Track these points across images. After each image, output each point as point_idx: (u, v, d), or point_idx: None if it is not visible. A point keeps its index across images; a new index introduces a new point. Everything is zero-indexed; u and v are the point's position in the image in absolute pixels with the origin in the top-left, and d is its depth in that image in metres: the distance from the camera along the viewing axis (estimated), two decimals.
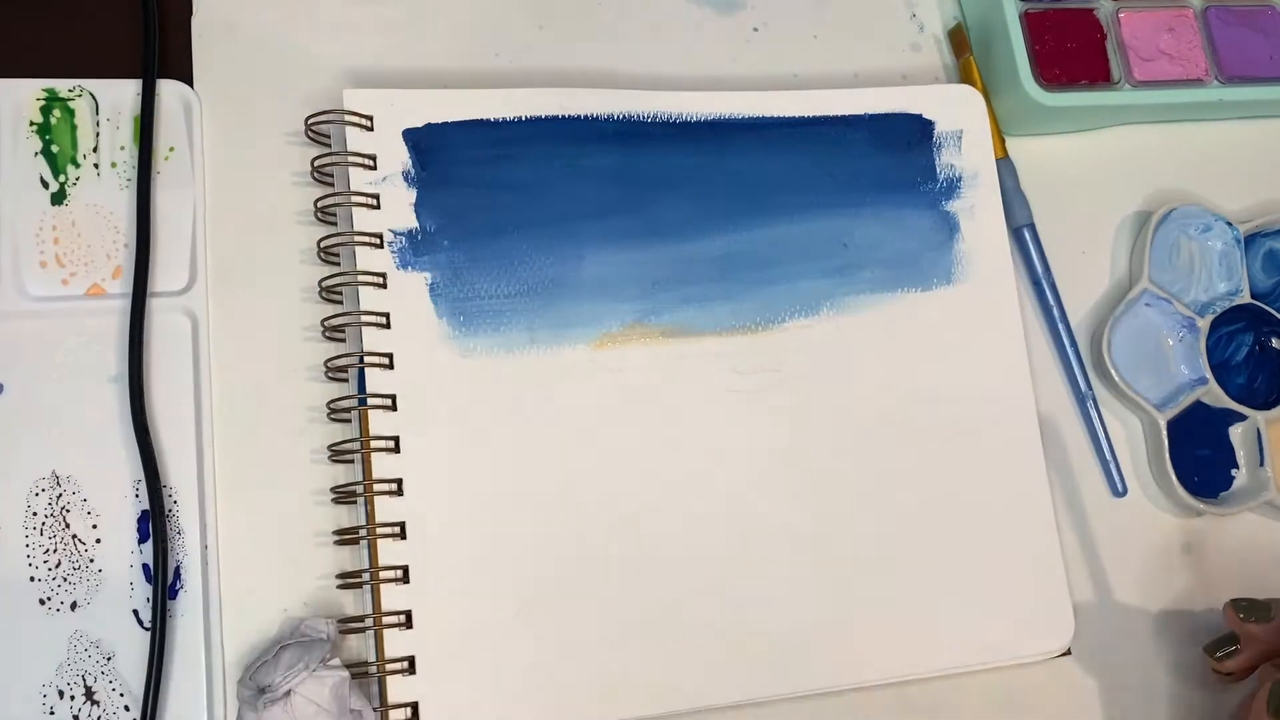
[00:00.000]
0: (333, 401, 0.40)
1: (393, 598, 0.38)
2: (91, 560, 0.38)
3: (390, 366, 0.40)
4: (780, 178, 0.46)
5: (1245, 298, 0.50)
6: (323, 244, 0.41)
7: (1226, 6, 0.53)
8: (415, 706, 0.38)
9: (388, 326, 0.40)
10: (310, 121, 0.42)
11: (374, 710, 0.37)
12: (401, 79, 0.45)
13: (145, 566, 0.38)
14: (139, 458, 0.39)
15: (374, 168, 0.41)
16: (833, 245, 0.45)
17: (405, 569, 0.38)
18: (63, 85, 0.42)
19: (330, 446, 0.40)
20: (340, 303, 0.41)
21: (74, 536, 0.38)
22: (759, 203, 0.45)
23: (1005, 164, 0.49)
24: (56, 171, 0.41)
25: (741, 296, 0.44)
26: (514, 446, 0.40)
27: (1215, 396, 0.49)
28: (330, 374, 0.41)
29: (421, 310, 0.41)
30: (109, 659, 0.37)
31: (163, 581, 0.37)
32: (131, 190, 0.41)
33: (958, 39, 0.51)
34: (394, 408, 0.40)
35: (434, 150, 0.42)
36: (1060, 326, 0.49)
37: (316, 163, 0.42)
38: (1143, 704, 0.46)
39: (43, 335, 0.40)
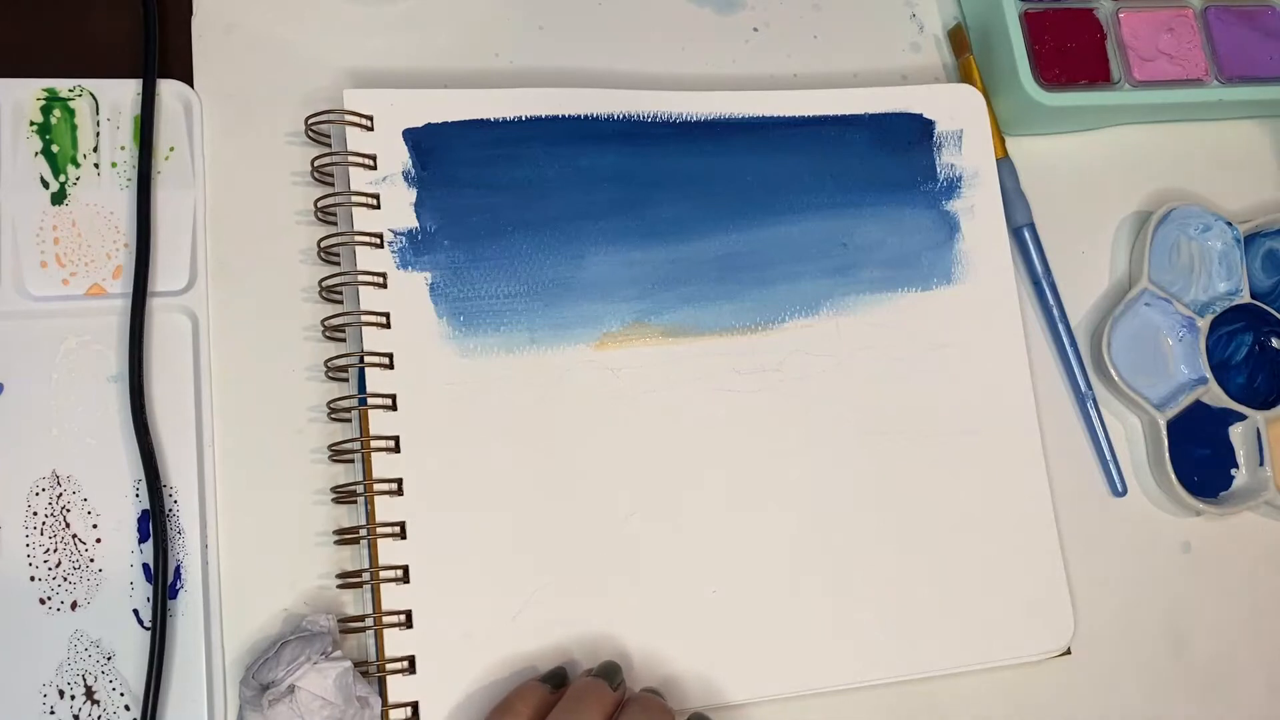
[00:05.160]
0: (333, 401, 0.40)
1: (393, 598, 0.38)
2: (91, 560, 0.38)
3: (390, 366, 0.40)
4: (780, 178, 0.46)
5: (1245, 297, 0.50)
6: (323, 244, 0.41)
7: (1226, 6, 0.53)
8: (415, 706, 0.38)
9: (388, 326, 0.40)
10: (310, 121, 0.42)
11: (379, 696, 0.37)
12: (401, 79, 0.45)
13: (145, 566, 0.38)
14: (139, 458, 0.39)
15: (374, 168, 0.41)
16: (833, 245, 0.45)
17: (405, 569, 0.38)
18: (63, 85, 0.42)
19: (330, 446, 0.40)
20: (340, 303, 0.41)
21: (74, 536, 0.38)
22: (759, 203, 0.45)
23: (1005, 164, 0.49)
24: (56, 171, 0.41)
25: (741, 296, 0.44)
26: (514, 446, 0.41)
27: (1215, 396, 0.49)
28: (330, 374, 0.41)
29: (421, 310, 0.41)
30: (109, 659, 0.37)
31: (163, 581, 0.37)
32: (131, 190, 0.41)
33: (958, 39, 0.51)
34: (394, 408, 0.40)
35: (434, 150, 0.42)
36: (1060, 326, 0.49)
37: (316, 163, 0.42)
38: (1143, 704, 0.46)
39: (43, 335, 0.40)
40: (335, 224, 0.42)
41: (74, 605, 0.38)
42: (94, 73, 0.42)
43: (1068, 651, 0.45)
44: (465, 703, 0.38)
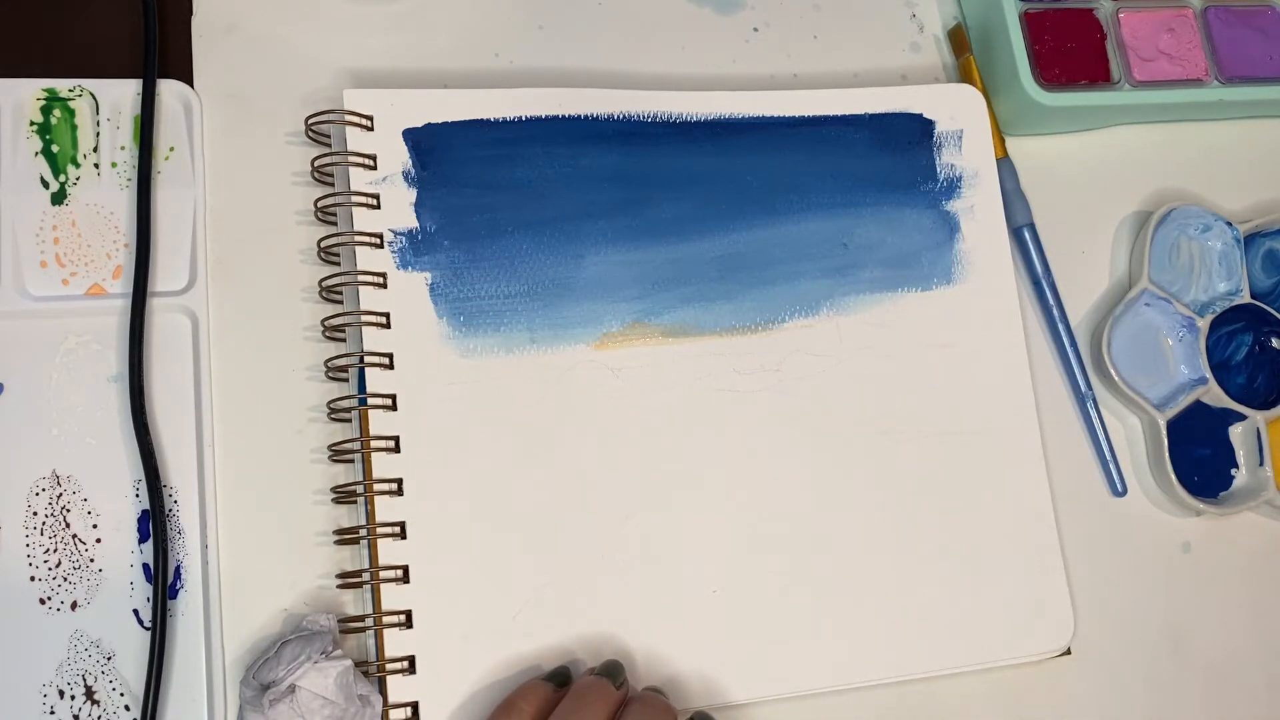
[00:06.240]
0: (333, 401, 0.40)
1: (393, 598, 0.38)
2: (91, 560, 0.38)
3: (390, 366, 0.40)
4: (780, 178, 0.46)
5: (1245, 297, 0.50)
6: (323, 244, 0.41)
7: (1226, 6, 0.53)
8: (415, 706, 0.38)
9: (388, 326, 0.40)
10: (310, 121, 0.42)
11: (380, 695, 0.37)
12: (401, 79, 0.45)
13: (145, 566, 0.38)
14: (139, 458, 0.39)
15: (374, 168, 0.41)
16: (833, 245, 0.45)
17: (405, 569, 0.38)
18: (63, 85, 0.42)
19: (330, 446, 0.40)
20: (340, 303, 0.41)
21: (74, 536, 0.38)
22: (759, 203, 0.45)
23: (1005, 164, 0.49)
24: (56, 171, 0.41)
25: (741, 296, 0.44)
26: (514, 446, 0.41)
27: (1215, 396, 0.49)
28: (330, 374, 0.41)
29: (421, 310, 0.41)
30: (109, 659, 0.37)
31: (163, 581, 0.37)
32: (131, 190, 0.41)
33: (958, 39, 0.52)
34: (394, 408, 0.40)
35: (434, 150, 0.42)
36: (1060, 326, 0.49)
37: (316, 163, 0.42)
38: (1143, 704, 0.46)
39: (43, 335, 0.40)
40: (335, 224, 0.42)
41: (74, 605, 0.38)
42: (94, 73, 0.42)
43: (1068, 651, 0.45)
44: (465, 703, 0.38)
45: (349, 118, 0.41)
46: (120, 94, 0.42)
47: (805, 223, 0.45)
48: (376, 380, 0.40)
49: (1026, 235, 0.49)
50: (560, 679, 0.37)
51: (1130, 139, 0.53)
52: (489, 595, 0.39)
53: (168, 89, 0.43)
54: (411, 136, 0.42)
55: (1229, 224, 0.50)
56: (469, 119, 0.43)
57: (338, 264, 0.42)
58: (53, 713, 0.37)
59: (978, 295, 0.46)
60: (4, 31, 0.42)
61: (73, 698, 0.37)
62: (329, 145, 0.43)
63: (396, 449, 0.39)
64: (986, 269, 0.47)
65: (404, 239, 0.41)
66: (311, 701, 0.35)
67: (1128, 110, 0.51)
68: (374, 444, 0.39)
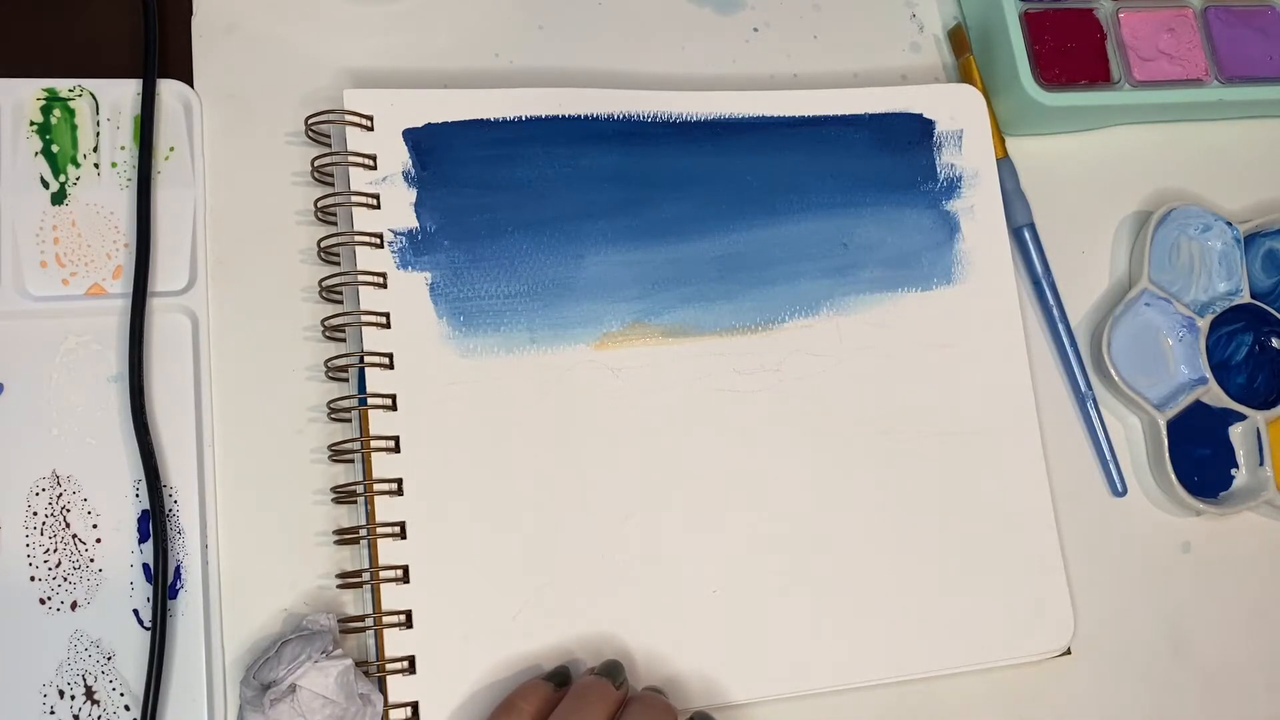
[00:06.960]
0: (333, 401, 0.40)
1: (393, 598, 0.38)
2: (91, 560, 0.38)
3: (390, 366, 0.40)
4: (780, 178, 0.46)
5: (1245, 297, 0.50)
6: (323, 244, 0.41)
7: (1226, 6, 0.53)
8: (415, 706, 0.38)
9: (388, 326, 0.40)
10: (310, 121, 0.42)
11: (380, 694, 0.37)
12: (401, 79, 0.45)
13: (145, 566, 0.38)
14: (139, 458, 0.39)
15: (374, 168, 0.41)
16: (833, 245, 0.45)
17: (405, 569, 0.38)
18: (63, 85, 0.42)
19: (330, 446, 0.40)
20: (340, 303, 0.41)
21: (74, 536, 0.38)
22: (759, 203, 0.45)
23: (1005, 164, 0.49)
24: (56, 171, 0.41)
25: (741, 296, 0.44)
26: (514, 446, 0.40)
27: (1215, 396, 0.49)
28: (330, 374, 0.41)
29: (421, 310, 0.41)
30: (109, 659, 0.37)
31: (163, 581, 0.37)
32: (131, 190, 0.41)
33: (958, 39, 0.52)
34: (394, 408, 0.40)
35: (434, 150, 0.42)
36: (1060, 326, 0.49)
37: (316, 163, 0.42)
38: (1143, 704, 0.46)
39: (43, 335, 0.40)
40: (335, 224, 0.42)
41: (74, 605, 0.38)
42: (94, 73, 0.42)
43: (1068, 651, 0.45)
44: (465, 703, 0.38)
45: (349, 118, 0.41)
46: (120, 94, 0.42)
47: (805, 223, 0.45)
48: (376, 380, 0.40)
49: (1026, 235, 0.49)
50: (560, 679, 0.37)
51: (1130, 139, 0.53)
52: (489, 595, 0.39)
53: (168, 89, 0.43)
54: (411, 136, 0.42)
55: (1229, 224, 0.50)
56: (469, 119, 0.43)
57: (338, 264, 0.42)
58: (53, 713, 0.37)
59: (978, 295, 0.46)
60: (4, 31, 0.42)
61: (73, 698, 0.37)
62: (329, 145, 0.43)
63: (396, 449, 0.39)
64: (986, 269, 0.47)
65: (404, 239, 0.41)
66: (312, 701, 0.35)
67: (1128, 110, 0.51)
68: (374, 444, 0.39)
